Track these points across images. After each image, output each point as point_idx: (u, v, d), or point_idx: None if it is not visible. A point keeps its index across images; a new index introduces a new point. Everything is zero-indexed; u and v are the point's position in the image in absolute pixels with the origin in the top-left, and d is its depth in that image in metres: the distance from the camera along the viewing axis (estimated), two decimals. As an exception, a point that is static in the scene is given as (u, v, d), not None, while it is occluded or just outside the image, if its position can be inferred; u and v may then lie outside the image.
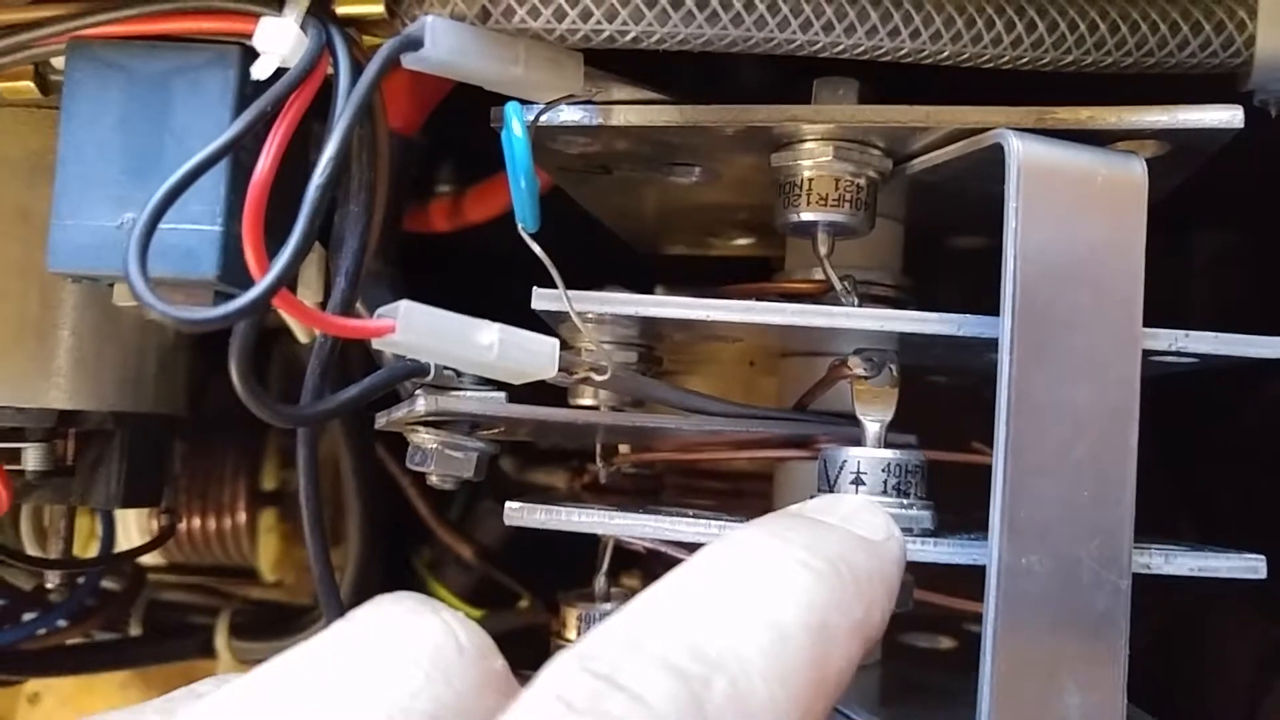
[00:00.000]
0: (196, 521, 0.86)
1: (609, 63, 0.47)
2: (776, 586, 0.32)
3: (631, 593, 0.61)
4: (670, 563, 0.64)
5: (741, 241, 0.72)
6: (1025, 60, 0.46)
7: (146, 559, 0.85)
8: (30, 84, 0.48)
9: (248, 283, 0.37)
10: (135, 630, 0.83)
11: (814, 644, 0.31)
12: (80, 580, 0.72)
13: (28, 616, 0.72)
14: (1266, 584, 0.47)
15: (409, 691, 0.28)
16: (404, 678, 0.29)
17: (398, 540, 0.90)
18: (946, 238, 0.65)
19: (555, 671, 0.28)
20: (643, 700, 0.27)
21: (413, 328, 0.38)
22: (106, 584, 0.80)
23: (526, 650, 0.62)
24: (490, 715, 0.29)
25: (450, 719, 0.29)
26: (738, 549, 0.34)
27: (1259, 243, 0.77)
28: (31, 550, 0.73)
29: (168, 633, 0.84)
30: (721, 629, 0.30)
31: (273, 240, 0.37)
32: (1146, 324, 0.44)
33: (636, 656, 0.28)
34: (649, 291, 0.75)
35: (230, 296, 0.42)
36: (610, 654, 0.29)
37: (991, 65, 0.46)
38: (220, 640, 0.82)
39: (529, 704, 0.27)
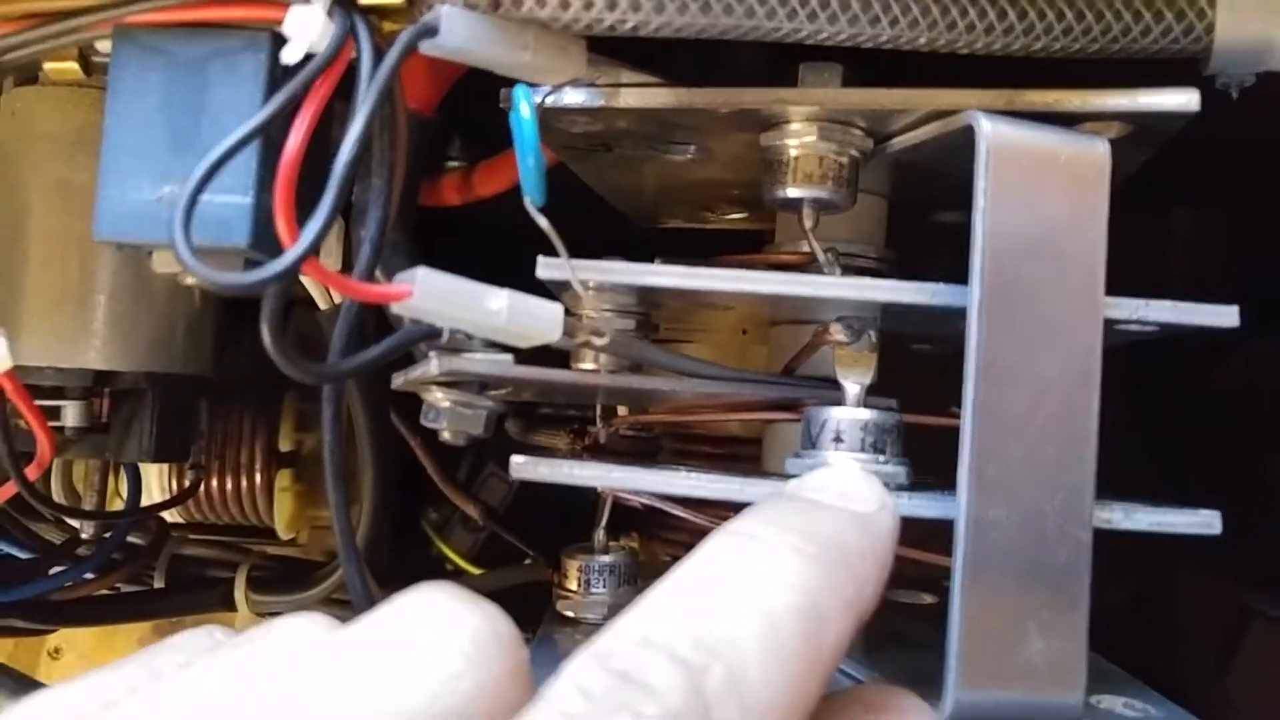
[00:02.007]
0: (216, 482, 0.88)
1: (611, 48, 0.50)
2: (769, 573, 0.34)
3: (629, 549, 0.64)
4: (666, 522, 0.67)
5: (735, 216, 0.74)
6: (997, 46, 0.48)
7: (169, 518, 0.88)
8: (74, 65, 0.50)
9: (275, 251, 0.39)
10: (159, 583, 0.85)
11: (806, 626, 0.33)
12: (108, 534, 0.75)
13: (57, 570, 0.75)
14: (1234, 547, 0.48)
15: (452, 672, 0.30)
16: (448, 659, 0.30)
17: (407, 501, 0.92)
18: (930, 213, 0.67)
19: (575, 668, 0.30)
20: (651, 689, 0.29)
21: (429, 292, 0.40)
22: (132, 539, 0.82)
23: (529, 606, 0.65)
24: (517, 703, 0.30)
25: (485, 701, 0.30)
26: (734, 539, 0.36)
27: (1234, 218, 0.79)
28: (62, 506, 0.76)
29: (189, 586, 0.86)
30: (719, 619, 0.32)
31: (299, 210, 0.40)
32: (1122, 295, 0.46)
33: (646, 651, 0.31)
34: (648, 262, 0.78)
35: (258, 264, 0.46)
36: (624, 650, 0.31)
37: (966, 51, 0.48)
38: (239, 593, 0.84)
39: (553, 697, 0.29)
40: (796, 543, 0.36)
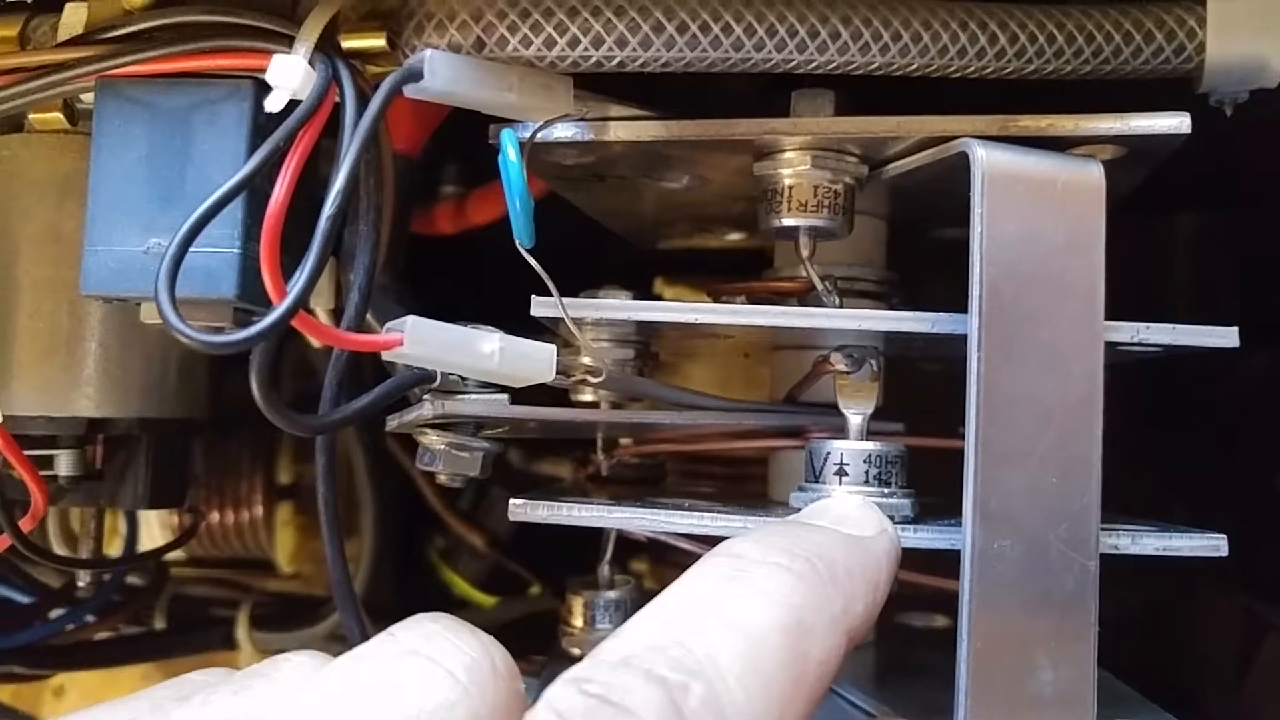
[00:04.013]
0: (216, 516, 0.87)
1: (599, 81, 0.49)
2: (751, 590, 0.35)
3: (637, 578, 0.64)
4: (673, 548, 0.67)
5: (734, 237, 0.74)
6: (990, 70, 0.48)
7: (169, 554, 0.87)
8: (59, 115, 0.50)
9: (265, 300, 0.39)
10: (159, 624, 0.84)
11: (789, 642, 0.34)
12: (107, 577, 0.74)
13: (57, 613, 0.74)
14: (1248, 560, 0.48)
15: (443, 702, 0.30)
16: (443, 688, 0.30)
17: (411, 530, 0.92)
18: (932, 230, 0.67)
19: (554, 693, 0.30)
20: (628, 710, 0.30)
21: (419, 340, 0.40)
22: (131, 579, 0.82)
23: (538, 635, 0.65)
24: None
25: None
26: (719, 560, 0.37)
27: (1238, 223, 0.79)
28: (59, 549, 0.75)
29: (191, 626, 0.85)
30: (699, 637, 0.32)
31: (287, 256, 0.39)
32: (1127, 305, 0.46)
33: (624, 673, 0.31)
34: (650, 282, 0.78)
35: (249, 312, 0.45)
36: (602, 674, 0.31)
37: (958, 75, 0.48)
38: (241, 632, 0.83)
39: None
40: (781, 561, 0.36)
